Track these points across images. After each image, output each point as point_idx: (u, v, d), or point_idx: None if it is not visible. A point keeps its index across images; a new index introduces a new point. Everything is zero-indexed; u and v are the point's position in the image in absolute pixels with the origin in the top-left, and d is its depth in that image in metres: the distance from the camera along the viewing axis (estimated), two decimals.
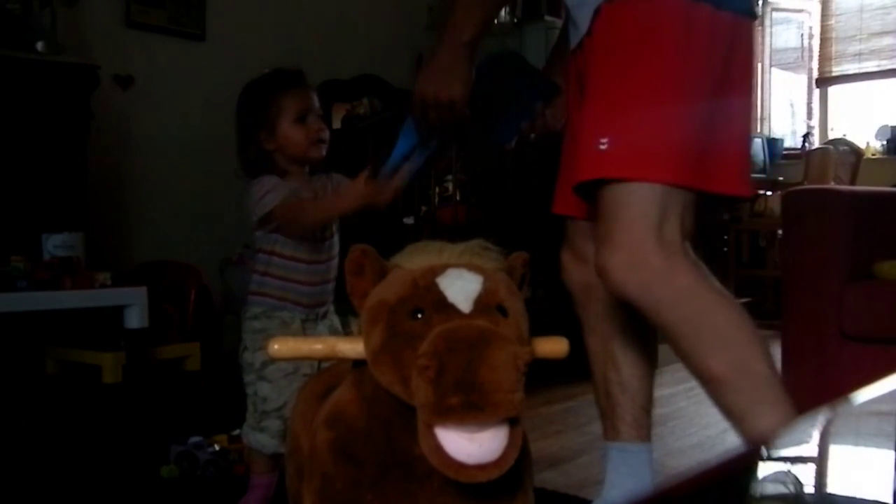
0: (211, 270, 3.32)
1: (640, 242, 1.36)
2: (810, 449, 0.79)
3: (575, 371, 3.68)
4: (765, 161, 5.56)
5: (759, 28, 5.81)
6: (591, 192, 1.45)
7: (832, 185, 4.12)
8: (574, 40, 1.60)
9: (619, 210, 1.38)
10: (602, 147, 1.38)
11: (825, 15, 5.88)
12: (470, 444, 0.86)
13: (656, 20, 1.40)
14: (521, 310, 0.98)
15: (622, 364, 1.69)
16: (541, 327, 1.02)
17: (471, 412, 0.84)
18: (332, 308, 1.94)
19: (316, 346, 1.02)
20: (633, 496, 1.92)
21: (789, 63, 6.04)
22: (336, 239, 1.93)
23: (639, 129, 1.39)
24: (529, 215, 3.75)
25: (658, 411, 2.99)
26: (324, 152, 1.95)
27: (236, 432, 2.32)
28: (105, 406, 2.62)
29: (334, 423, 1.03)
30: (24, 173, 2.79)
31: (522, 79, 1.74)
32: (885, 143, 5.53)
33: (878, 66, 5.67)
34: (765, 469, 0.71)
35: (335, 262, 1.91)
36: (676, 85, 1.39)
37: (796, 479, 0.67)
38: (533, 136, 1.84)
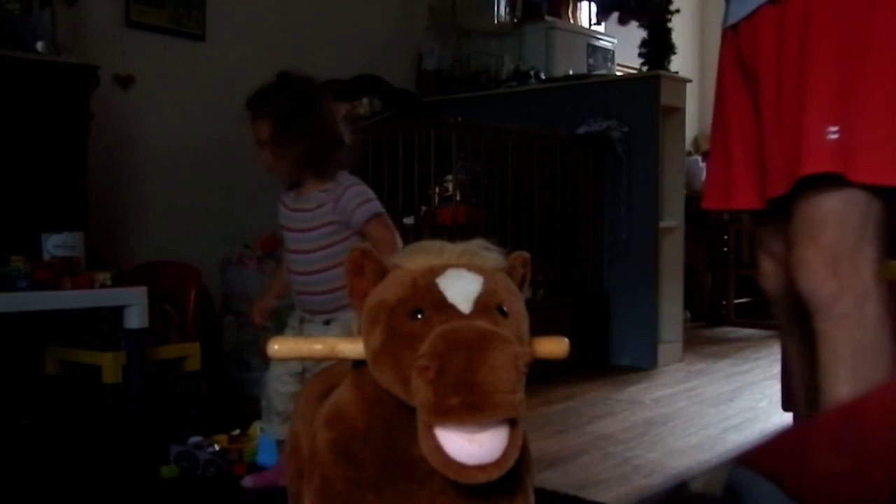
0: (211, 270, 3.31)
1: (849, 253, 1.32)
2: None
3: (575, 371, 3.69)
4: None
5: None
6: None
7: None
8: (741, 10, 1.47)
9: (832, 214, 1.32)
10: (832, 137, 1.29)
11: None
12: (470, 445, 0.86)
13: None
14: (521, 310, 0.98)
15: None
16: (541, 327, 1.02)
17: (470, 413, 0.84)
18: (342, 318, 1.90)
19: (316, 346, 1.02)
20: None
21: None
22: (320, 255, 1.93)
23: (875, 122, 1.29)
24: (530, 215, 3.75)
25: (658, 411, 3.01)
26: (277, 176, 2.01)
27: (236, 432, 2.33)
28: (105, 406, 2.62)
29: (334, 423, 1.02)
30: (24, 173, 2.78)
31: None
32: None
33: None
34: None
35: (319, 276, 1.93)
36: None
37: None
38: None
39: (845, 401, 1.30)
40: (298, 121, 1.91)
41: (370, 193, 1.95)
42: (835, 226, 1.32)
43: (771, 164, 1.43)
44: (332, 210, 1.92)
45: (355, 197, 1.93)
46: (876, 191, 1.32)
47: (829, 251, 1.33)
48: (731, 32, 1.52)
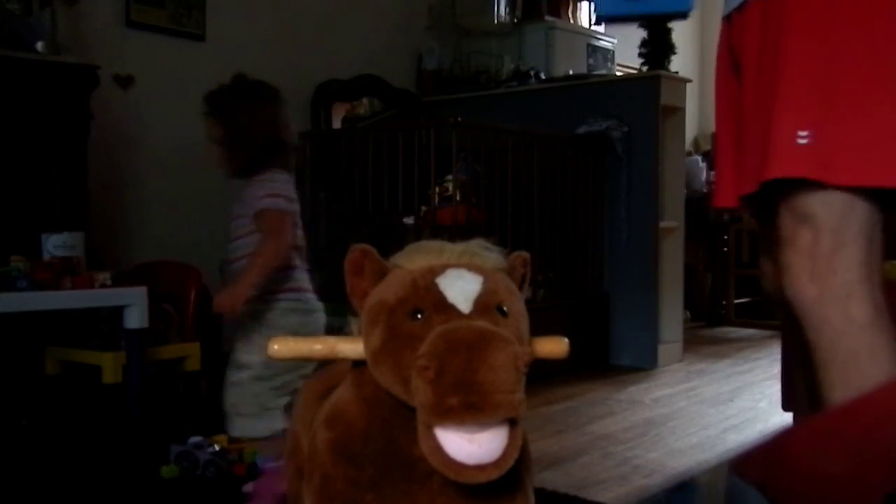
0: (211, 270, 3.31)
1: (826, 256, 1.28)
2: None
3: (575, 371, 3.69)
4: None
5: None
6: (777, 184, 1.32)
7: None
8: (732, 1, 1.45)
9: (808, 217, 1.29)
10: (801, 141, 1.26)
11: None
12: (470, 445, 0.86)
13: None
14: (521, 310, 0.98)
15: None
16: (541, 327, 1.02)
17: (470, 413, 0.84)
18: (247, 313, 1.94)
19: (316, 346, 1.02)
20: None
21: None
22: (231, 246, 2.00)
23: (854, 123, 1.25)
24: (530, 215, 3.75)
25: (658, 411, 3.01)
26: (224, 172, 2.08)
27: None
28: (105, 406, 2.62)
29: (334, 423, 1.02)
30: (24, 173, 2.78)
31: None
32: None
33: None
34: None
35: (230, 267, 2.00)
36: None
37: None
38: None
39: (828, 409, 1.29)
40: (246, 128, 1.97)
41: (279, 190, 1.95)
42: (810, 229, 1.30)
43: (744, 162, 1.41)
44: (241, 203, 1.97)
45: (259, 189, 1.95)
46: (858, 192, 1.28)
47: (807, 255, 1.30)
48: (726, 24, 1.51)
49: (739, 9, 1.44)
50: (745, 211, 1.63)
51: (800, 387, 1.62)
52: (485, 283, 0.95)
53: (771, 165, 1.30)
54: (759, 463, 0.61)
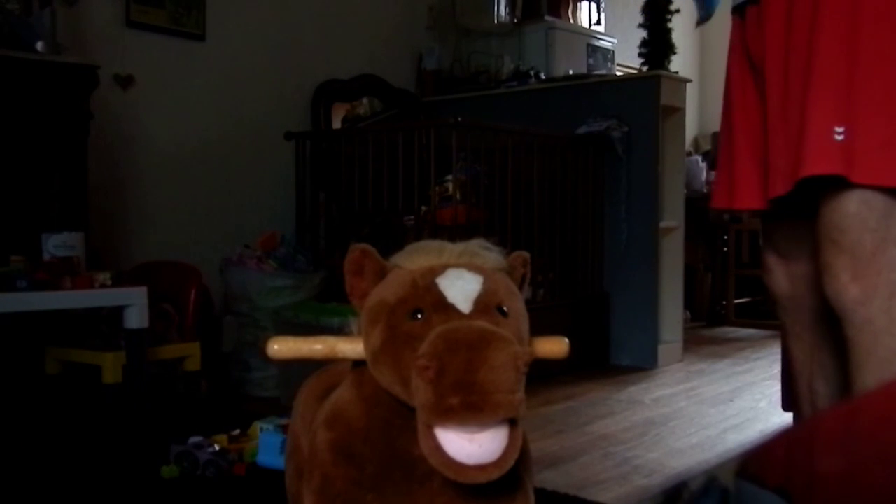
0: (211, 270, 3.31)
1: (870, 256, 1.26)
2: None
3: (575, 371, 3.69)
4: None
5: None
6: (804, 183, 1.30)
7: None
8: None
9: (849, 217, 1.27)
10: (838, 137, 1.25)
11: None
12: (470, 445, 0.86)
13: None
14: (521, 310, 0.98)
15: (832, 376, 1.54)
16: (541, 327, 1.02)
17: (470, 413, 0.84)
18: None
19: (316, 346, 1.02)
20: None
21: None
22: None
23: (878, 121, 1.23)
24: (530, 215, 3.75)
25: (658, 411, 3.01)
26: None
27: (236, 432, 2.33)
28: (105, 406, 2.62)
29: (334, 423, 1.02)
30: (23, 173, 2.78)
31: None
32: None
33: None
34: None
35: None
36: None
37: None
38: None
39: (848, 402, 1.28)
40: None
41: None
42: (852, 229, 1.27)
43: (773, 162, 1.38)
44: None
45: None
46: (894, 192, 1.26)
47: (849, 255, 1.28)
48: (738, 19, 1.47)
49: (756, 1, 1.40)
50: (747, 210, 1.61)
51: (803, 392, 1.60)
52: (485, 283, 0.95)
53: (806, 163, 1.28)
54: (779, 464, 0.58)
